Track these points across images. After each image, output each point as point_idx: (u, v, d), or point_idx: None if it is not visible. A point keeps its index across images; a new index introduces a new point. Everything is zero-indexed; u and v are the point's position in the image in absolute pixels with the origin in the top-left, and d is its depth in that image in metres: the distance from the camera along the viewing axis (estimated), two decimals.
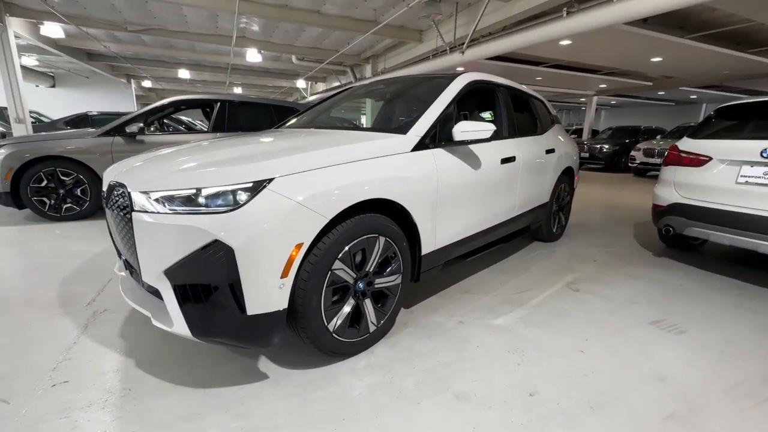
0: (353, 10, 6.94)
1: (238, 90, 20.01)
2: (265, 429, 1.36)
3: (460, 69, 8.24)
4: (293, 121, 2.99)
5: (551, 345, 1.95)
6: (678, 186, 3.08)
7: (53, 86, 18.02)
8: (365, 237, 1.71)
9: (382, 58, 10.33)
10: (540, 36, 5.50)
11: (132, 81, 18.71)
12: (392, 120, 2.68)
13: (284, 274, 1.43)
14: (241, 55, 10.49)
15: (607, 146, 10.99)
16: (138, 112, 4.42)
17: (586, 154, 11.59)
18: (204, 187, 1.40)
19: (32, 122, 8.92)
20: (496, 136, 2.66)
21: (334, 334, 1.68)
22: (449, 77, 2.49)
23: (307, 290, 1.53)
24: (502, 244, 2.94)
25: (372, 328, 1.87)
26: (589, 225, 4.56)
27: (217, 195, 1.39)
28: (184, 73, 14.20)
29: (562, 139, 3.67)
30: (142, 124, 4.34)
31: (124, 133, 4.27)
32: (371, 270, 1.80)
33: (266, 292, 1.42)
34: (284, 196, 1.42)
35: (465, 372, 1.71)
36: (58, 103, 17.00)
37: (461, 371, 1.72)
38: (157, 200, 1.43)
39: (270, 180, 1.43)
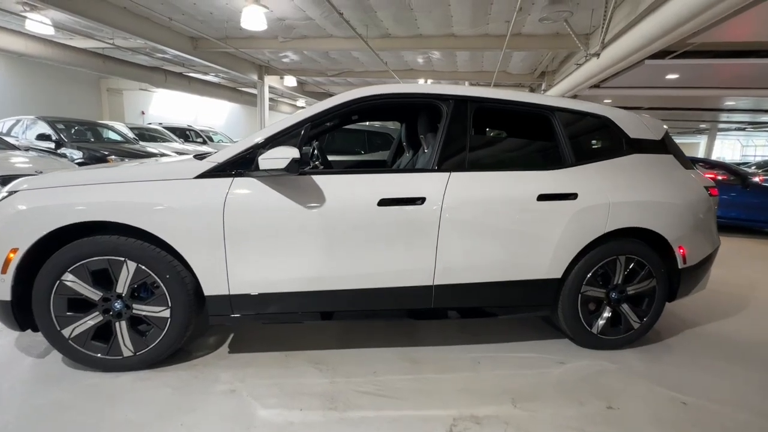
0: (485, 27, 6.33)
1: None
2: None
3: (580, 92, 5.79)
4: None
5: None
6: None
7: None
8: (104, 258, 1.73)
9: (559, 72, 8.74)
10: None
11: None
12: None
13: (3, 271, 1.69)
14: None
15: None
16: None
17: None
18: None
19: None
20: (388, 167, 1.95)
21: (70, 341, 1.79)
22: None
23: (35, 291, 1.72)
24: (406, 318, 2.08)
25: (126, 353, 1.83)
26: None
27: None
28: None
29: (625, 179, 2.16)
30: None
31: None
32: (124, 294, 1.79)
33: None
34: (11, 204, 1.69)
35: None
36: None
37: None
38: None
39: (17, 191, 1.73)
